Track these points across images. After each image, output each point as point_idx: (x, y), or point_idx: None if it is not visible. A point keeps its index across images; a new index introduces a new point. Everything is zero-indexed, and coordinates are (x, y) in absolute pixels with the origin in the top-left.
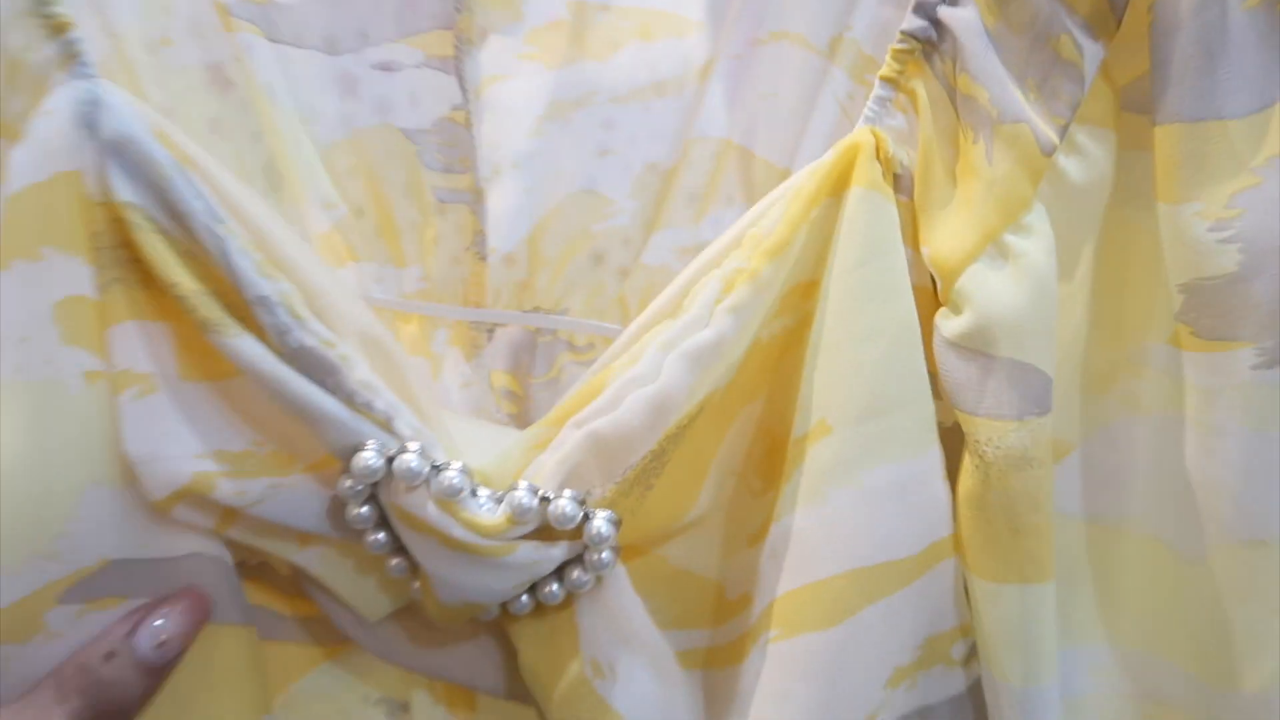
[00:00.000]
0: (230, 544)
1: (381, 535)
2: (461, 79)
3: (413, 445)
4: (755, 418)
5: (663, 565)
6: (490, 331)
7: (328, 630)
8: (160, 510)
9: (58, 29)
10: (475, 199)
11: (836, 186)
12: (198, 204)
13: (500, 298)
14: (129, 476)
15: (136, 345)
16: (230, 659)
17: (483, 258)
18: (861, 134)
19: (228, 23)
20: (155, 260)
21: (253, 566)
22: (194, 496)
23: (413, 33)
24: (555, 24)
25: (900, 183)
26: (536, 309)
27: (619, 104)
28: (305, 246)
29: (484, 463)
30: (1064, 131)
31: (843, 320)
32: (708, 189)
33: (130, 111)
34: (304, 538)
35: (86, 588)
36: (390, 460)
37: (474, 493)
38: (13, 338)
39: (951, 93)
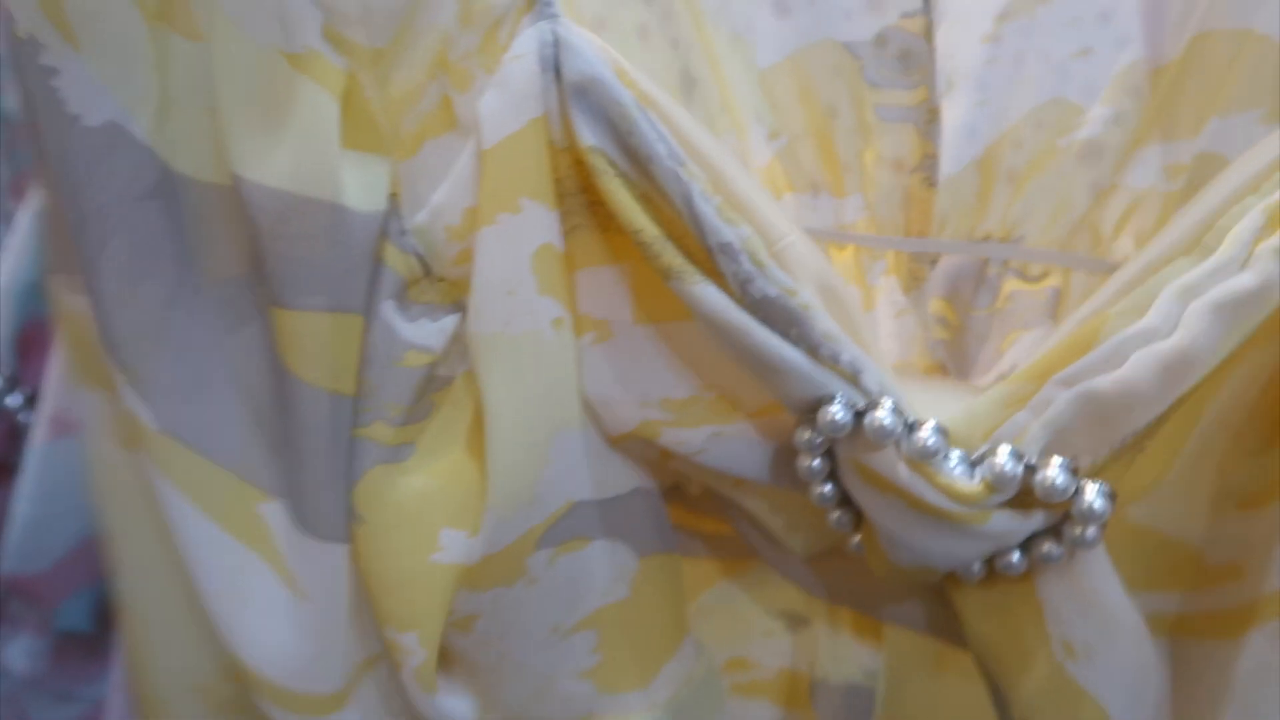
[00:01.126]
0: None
1: (829, 488)
2: None
3: (885, 401)
4: (1269, 364)
5: (1121, 524)
6: (934, 262)
7: (734, 545)
8: (615, 445)
9: None
10: (927, 118)
11: None
12: (660, 147)
13: (947, 225)
14: (588, 417)
15: (596, 290)
16: (658, 587)
17: (931, 183)
18: None
19: None
20: (619, 206)
21: (667, 489)
22: (641, 439)
23: None
24: None
25: None
26: (988, 237)
27: None
28: (758, 185)
29: (952, 419)
30: None
31: None
32: (1215, 90)
33: (593, 51)
34: (739, 482)
35: (557, 531)
36: (860, 415)
37: (947, 455)
38: (500, 291)
39: None
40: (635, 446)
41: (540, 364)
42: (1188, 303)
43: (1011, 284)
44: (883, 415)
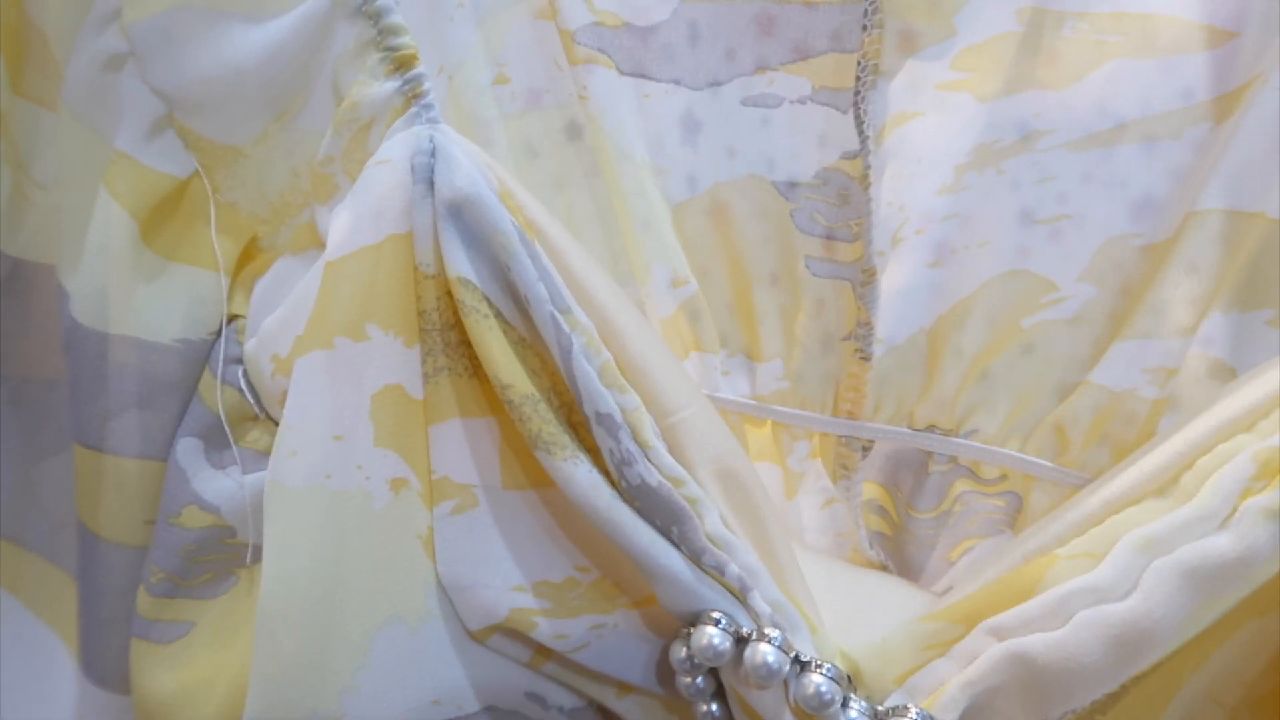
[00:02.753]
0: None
1: (715, 708)
2: (861, 118)
3: (771, 633)
4: (1269, 637)
5: None
6: (866, 449)
7: None
8: (477, 640)
9: (401, 64)
10: (863, 277)
11: None
12: (541, 288)
13: (883, 407)
14: (431, 611)
15: (459, 449)
16: None
17: (865, 356)
18: None
19: (572, 53)
20: (486, 353)
21: None
22: (510, 632)
23: (798, 57)
24: (999, 39)
25: None
26: (932, 427)
27: (1076, 150)
28: (656, 339)
29: (856, 650)
30: None
31: None
32: (1215, 285)
33: (474, 166)
34: (624, 687)
35: None
36: (740, 643)
37: (845, 704)
38: (322, 433)
39: None
40: (508, 638)
41: (366, 534)
42: (1151, 559)
43: (962, 484)
44: (766, 651)
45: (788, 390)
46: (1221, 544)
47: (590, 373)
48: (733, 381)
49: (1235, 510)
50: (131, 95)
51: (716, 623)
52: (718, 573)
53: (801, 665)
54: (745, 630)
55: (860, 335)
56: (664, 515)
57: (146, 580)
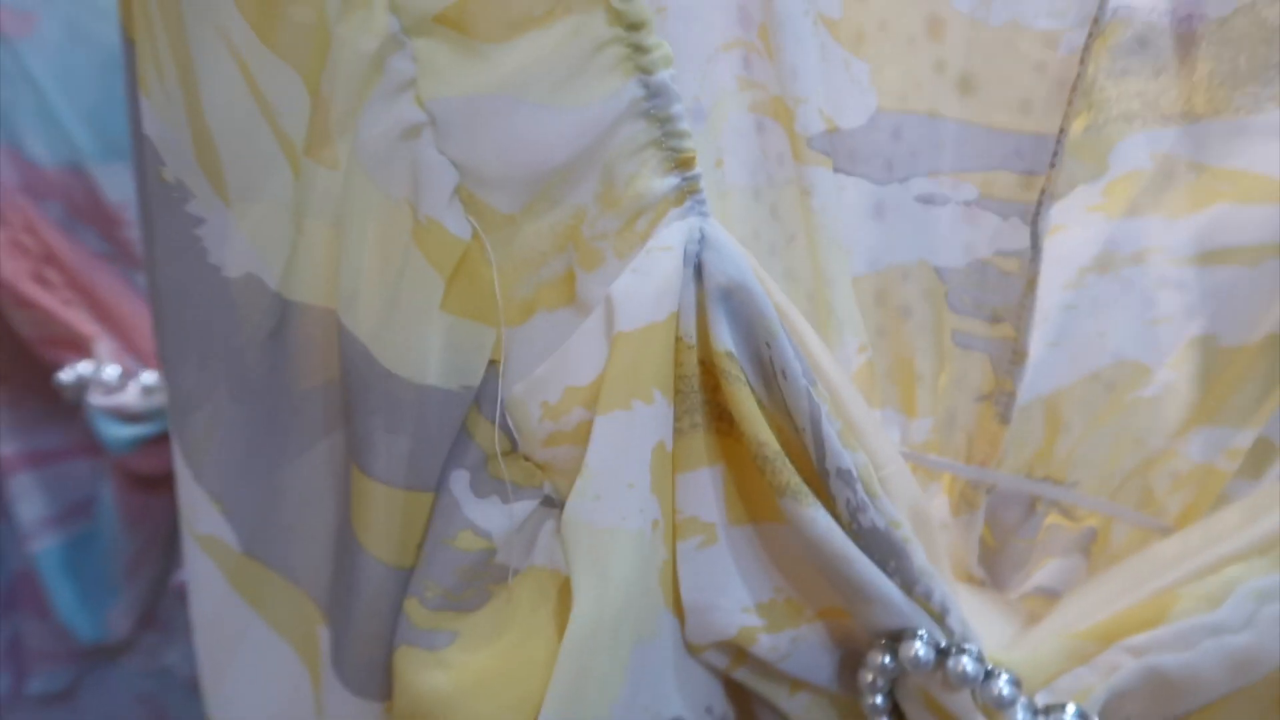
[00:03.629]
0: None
1: (880, 700)
2: (1036, 234)
3: (970, 646)
4: None
5: None
6: (990, 490)
7: None
8: (694, 652)
9: (682, 164)
10: (1015, 358)
11: None
12: (796, 364)
13: (1007, 459)
14: (656, 633)
15: (706, 492)
16: None
17: (1005, 420)
18: None
19: (802, 154)
20: (745, 415)
21: None
22: (731, 646)
23: (972, 168)
24: (1134, 174)
25: None
26: (1047, 478)
27: (1178, 266)
28: (866, 405)
29: (1010, 660)
30: None
31: None
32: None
33: (739, 256)
34: (796, 684)
35: None
36: (941, 654)
37: (1017, 704)
38: (620, 482)
39: None
40: (720, 651)
41: (640, 566)
42: (1262, 604)
43: (1054, 518)
44: (967, 662)
45: (933, 441)
46: None
47: (833, 434)
48: (891, 433)
49: None
50: (431, 164)
51: (921, 637)
52: (924, 598)
53: (990, 674)
54: (943, 644)
55: (1001, 401)
56: (885, 552)
57: (421, 595)
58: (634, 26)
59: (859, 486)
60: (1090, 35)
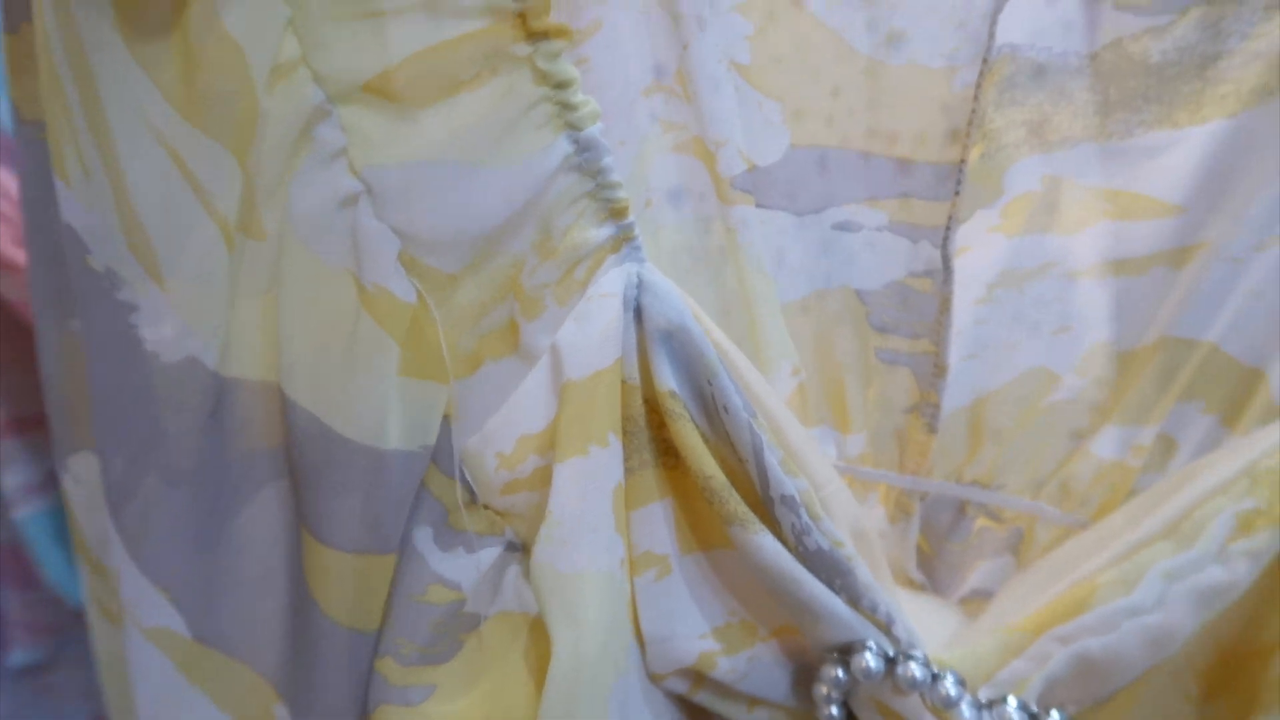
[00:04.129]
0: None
1: (836, 710)
2: (946, 254)
3: (916, 653)
4: (1212, 635)
5: None
6: (923, 498)
7: None
8: (655, 680)
9: (616, 213)
10: (936, 371)
11: None
12: (737, 399)
13: (937, 467)
14: (625, 668)
15: (659, 526)
16: None
17: (932, 429)
18: None
19: (726, 195)
20: (690, 450)
21: None
22: (691, 671)
23: (881, 196)
24: (1026, 196)
25: None
26: (975, 483)
27: (1074, 278)
28: (804, 432)
29: (952, 658)
30: None
31: None
32: (1178, 385)
33: (676, 298)
34: (754, 701)
35: None
36: (890, 662)
37: (962, 700)
38: (585, 527)
39: None
40: (680, 677)
41: (611, 606)
42: (1171, 585)
43: (983, 521)
44: (914, 667)
45: (867, 454)
46: (1219, 573)
47: (775, 464)
48: (826, 449)
49: (1224, 549)
50: (371, 232)
51: (870, 649)
52: (871, 611)
53: (936, 676)
54: (891, 653)
55: (927, 412)
56: (830, 570)
57: (395, 653)
58: (560, 85)
59: (802, 511)
60: (981, 73)
